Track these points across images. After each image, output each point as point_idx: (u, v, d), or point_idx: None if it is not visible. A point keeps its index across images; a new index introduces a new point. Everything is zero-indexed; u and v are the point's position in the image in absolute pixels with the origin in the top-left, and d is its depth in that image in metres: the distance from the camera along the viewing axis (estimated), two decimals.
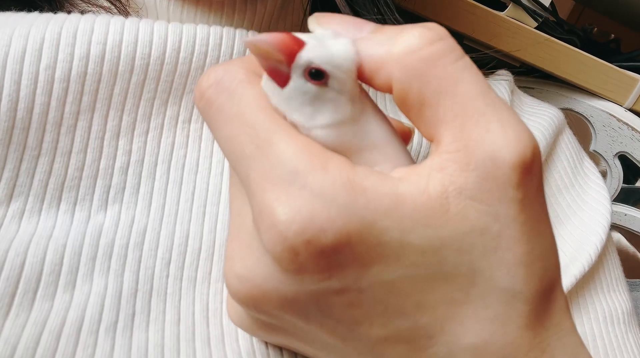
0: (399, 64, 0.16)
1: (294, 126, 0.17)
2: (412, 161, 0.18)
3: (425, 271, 0.16)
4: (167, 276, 0.24)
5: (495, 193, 0.16)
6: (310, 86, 0.17)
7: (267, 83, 0.17)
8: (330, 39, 0.17)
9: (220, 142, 0.18)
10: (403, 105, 0.17)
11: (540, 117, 0.37)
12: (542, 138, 0.35)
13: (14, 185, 0.24)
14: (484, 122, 0.16)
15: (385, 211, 0.16)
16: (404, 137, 0.22)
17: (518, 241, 0.17)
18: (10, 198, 0.24)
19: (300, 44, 0.17)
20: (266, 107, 0.17)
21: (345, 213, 0.15)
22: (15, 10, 0.27)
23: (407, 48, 0.16)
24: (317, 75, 0.17)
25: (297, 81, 0.17)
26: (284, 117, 0.17)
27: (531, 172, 0.16)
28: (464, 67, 0.16)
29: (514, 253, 0.17)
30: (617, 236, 0.58)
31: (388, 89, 0.17)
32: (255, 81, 0.18)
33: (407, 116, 0.18)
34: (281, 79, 0.17)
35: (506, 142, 0.16)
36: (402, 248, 0.16)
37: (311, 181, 0.16)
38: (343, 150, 0.17)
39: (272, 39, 0.16)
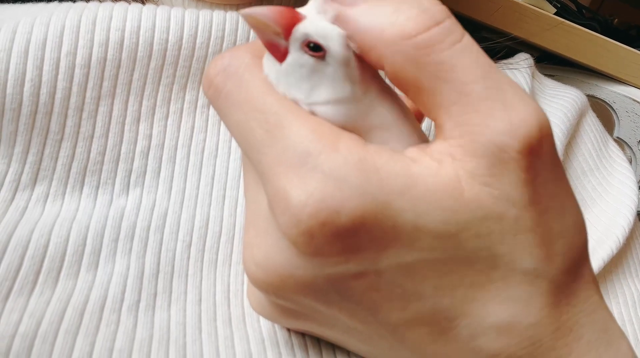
0: (392, 48, 0.15)
1: (295, 103, 0.17)
2: (425, 140, 0.18)
3: (442, 255, 0.16)
4: (188, 258, 0.25)
5: (506, 178, 0.16)
6: (308, 59, 0.16)
7: (267, 59, 0.17)
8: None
9: (231, 129, 0.17)
10: (398, 86, 0.17)
11: (563, 99, 0.36)
12: (565, 120, 0.34)
13: (38, 169, 0.25)
14: (485, 108, 0.15)
15: (399, 192, 0.15)
16: (419, 115, 0.22)
17: (537, 224, 0.16)
18: (34, 181, 0.25)
19: (298, 17, 0.16)
20: (274, 90, 0.17)
21: (358, 193, 0.15)
22: (36, 1, 0.28)
23: (401, 33, 0.15)
24: (315, 48, 0.16)
25: (294, 54, 0.16)
26: (284, 95, 0.17)
27: (540, 152, 0.16)
28: (462, 50, 0.16)
29: (534, 236, 0.16)
30: None
31: (380, 67, 0.17)
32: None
33: (405, 94, 0.17)
34: (279, 53, 0.16)
35: (510, 127, 0.15)
36: (417, 231, 0.16)
37: (322, 161, 0.15)
38: (350, 130, 0.17)
39: (268, 10, 0.16)
